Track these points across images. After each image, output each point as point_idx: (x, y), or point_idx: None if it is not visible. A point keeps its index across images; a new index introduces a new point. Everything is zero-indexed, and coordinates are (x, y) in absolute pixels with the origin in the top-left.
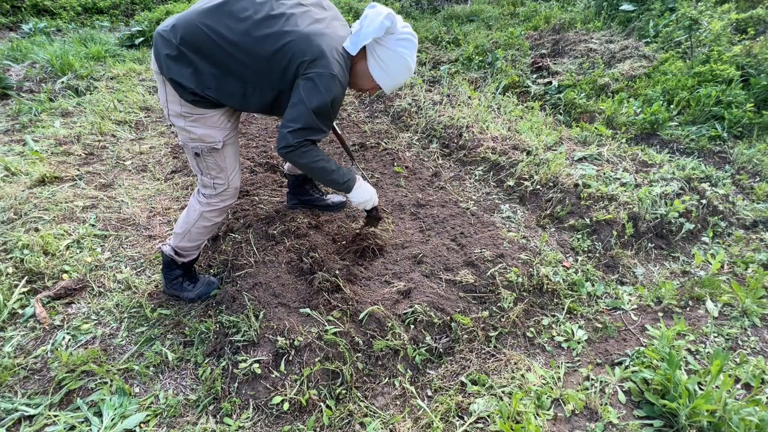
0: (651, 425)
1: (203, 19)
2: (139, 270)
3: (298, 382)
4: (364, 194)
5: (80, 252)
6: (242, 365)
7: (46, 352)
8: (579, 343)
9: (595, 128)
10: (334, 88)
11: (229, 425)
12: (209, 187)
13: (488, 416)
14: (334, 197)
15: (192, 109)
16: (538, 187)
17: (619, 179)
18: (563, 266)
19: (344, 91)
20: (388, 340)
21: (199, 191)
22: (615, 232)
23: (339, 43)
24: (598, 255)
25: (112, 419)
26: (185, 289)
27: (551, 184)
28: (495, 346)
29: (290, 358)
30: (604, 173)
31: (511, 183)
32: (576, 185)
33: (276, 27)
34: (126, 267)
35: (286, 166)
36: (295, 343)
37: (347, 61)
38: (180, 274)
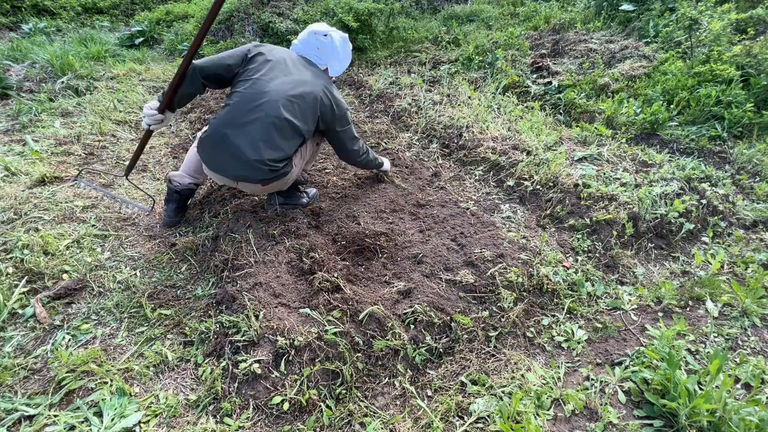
0: (651, 425)
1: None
2: (139, 270)
3: (298, 382)
4: (388, 165)
5: (80, 252)
6: (242, 365)
7: (46, 352)
8: (579, 343)
9: (595, 128)
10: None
11: (229, 425)
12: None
13: (488, 416)
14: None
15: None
16: (538, 187)
17: (619, 179)
18: (563, 266)
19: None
20: (388, 340)
21: None
22: (615, 232)
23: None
24: (598, 255)
25: (112, 419)
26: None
27: (551, 184)
28: (495, 346)
29: (290, 358)
30: (604, 173)
31: (511, 183)
32: (576, 185)
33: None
34: (126, 267)
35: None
36: (295, 343)
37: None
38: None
